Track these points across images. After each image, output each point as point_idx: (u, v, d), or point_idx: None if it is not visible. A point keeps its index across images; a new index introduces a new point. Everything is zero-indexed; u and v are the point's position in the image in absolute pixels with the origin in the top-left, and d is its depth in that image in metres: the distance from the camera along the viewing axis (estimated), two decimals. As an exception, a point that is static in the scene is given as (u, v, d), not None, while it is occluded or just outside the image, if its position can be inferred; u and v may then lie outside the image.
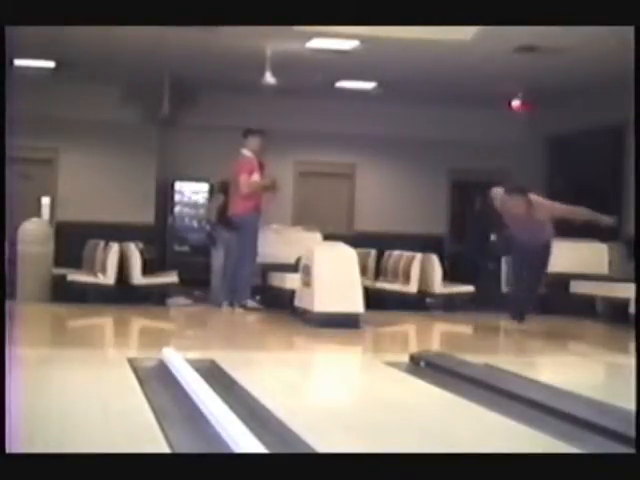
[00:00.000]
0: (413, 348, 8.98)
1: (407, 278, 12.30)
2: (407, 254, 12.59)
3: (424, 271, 12.31)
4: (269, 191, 11.82)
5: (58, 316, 11.15)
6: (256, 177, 11.46)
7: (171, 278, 12.43)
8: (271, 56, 12.34)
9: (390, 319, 11.25)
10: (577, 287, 12.20)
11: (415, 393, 6.08)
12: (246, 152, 11.56)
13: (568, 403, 5.17)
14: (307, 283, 10.05)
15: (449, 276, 12.85)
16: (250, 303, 11.37)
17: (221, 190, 12.58)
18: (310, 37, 11.75)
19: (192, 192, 16.75)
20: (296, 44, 12.03)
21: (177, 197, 16.70)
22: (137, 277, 12.08)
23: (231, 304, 11.38)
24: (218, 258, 12.35)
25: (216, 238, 12.36)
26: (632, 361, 6.92)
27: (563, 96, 14.93)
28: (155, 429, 4.34)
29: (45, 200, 15.61)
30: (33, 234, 12.08)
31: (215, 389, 5.06)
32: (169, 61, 13.79)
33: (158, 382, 5.83)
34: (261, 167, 11.64)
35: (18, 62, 13.08)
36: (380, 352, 9.21)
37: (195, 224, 16.76)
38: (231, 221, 11.68)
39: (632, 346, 7.71)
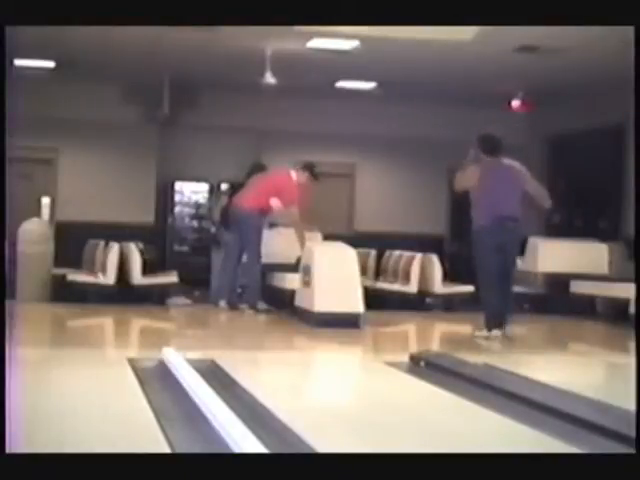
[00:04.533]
0: (413, 348, 8.98)
1: (407, 278, 12.30)
2: (407, 254, 12.59)
3: (424, 271, 12.31)
4: (298, 236, 11.49)
5: (58, 316, 11.15)
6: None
7: (171, 278, 12.42)
8: (271, 56, 12.35)
9: (390, 319, 11.25)
10: (577, 287, 12.20)
11: (415, 393, 6.08)
12: (294, 174, 11.49)
13: (568, 403, 5.16)
14: (307, 283, 10.05)
15: (449, 276, 12.84)
16: (261, 305, 11.26)
17: (226, 192, 12.58)
18: (310, 37, 11.75)
19: (192, 192, 16.75)
20: (296, 44, 12.03)
21: (177, 197, 16.69)
22: (137, 277, 12.07)
23: (229, 303, 11.33)
24: (218, 259, 12.35)
25: (219, 239, 12.37)
26: (632, 361, 6.92)
27: (563, 96, 14.94)
28: (155, 429, 4.33)
29: (45, 200, 15.61)
30: (33, 234, 12.08)
31: (215, 389, 5.06)
32: (169, 61, 13.80)
33: (158, 382, 5.83)
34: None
35: (18, 62, 13.08)
36: (380, 352, 9.21)
37: (195, 224, 16.76)
38: (232, 215, 11.57)
39: (632, 346, 7.71)
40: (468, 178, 9.06)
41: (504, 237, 8.74)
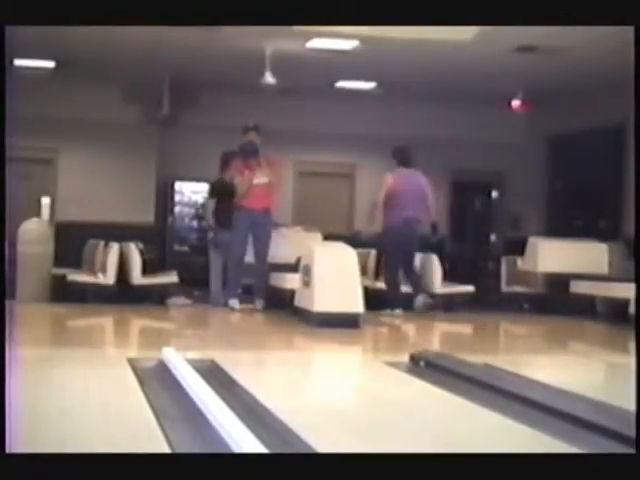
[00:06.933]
0: (413, 348, 8.97)
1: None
2: (407, 254, 12.57)
3: (424, 271, 12.29)
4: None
5: (58, 316, 11.15)
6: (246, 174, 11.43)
7: (171, 278, 12.42)
8: (271, 56, 12.35)
9: (390, 319, 11.24)
10: (577, 287, 12.19)
11: (415, 393, 6.08)
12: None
13: (568, 403, 5.16)
14: (307, 283, 10.04)
15: (449, 276, 12.83)
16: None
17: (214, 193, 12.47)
18: (310, 37, 11.76)
19: (192, 192, 16.76)
20: (296, 44, 12.04)
21: (177, 197, 16.71)
22: (137, 277, 12.07)
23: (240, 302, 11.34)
24: (215, 259, 12.29)
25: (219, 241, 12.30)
26: (632, 361, 6.92)
27: (563, 96, 14.94)
28: (155, 429, 4.33)
29: (45, 200, 15.60)
30: (33, 234, 12.07)
31: (215, 389, 5.06)
32: (169, 61, 13.80)
33: (158, 382, 5.83)
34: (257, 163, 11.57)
35: (18, 62, 13.08)
36: (380, 352, 9.21)
37: (195, 224, 16.76)
38: None
39: (632, 346, 7.71)
40: (385, 184, 11.17)
41: (409, 234, 10.99)
